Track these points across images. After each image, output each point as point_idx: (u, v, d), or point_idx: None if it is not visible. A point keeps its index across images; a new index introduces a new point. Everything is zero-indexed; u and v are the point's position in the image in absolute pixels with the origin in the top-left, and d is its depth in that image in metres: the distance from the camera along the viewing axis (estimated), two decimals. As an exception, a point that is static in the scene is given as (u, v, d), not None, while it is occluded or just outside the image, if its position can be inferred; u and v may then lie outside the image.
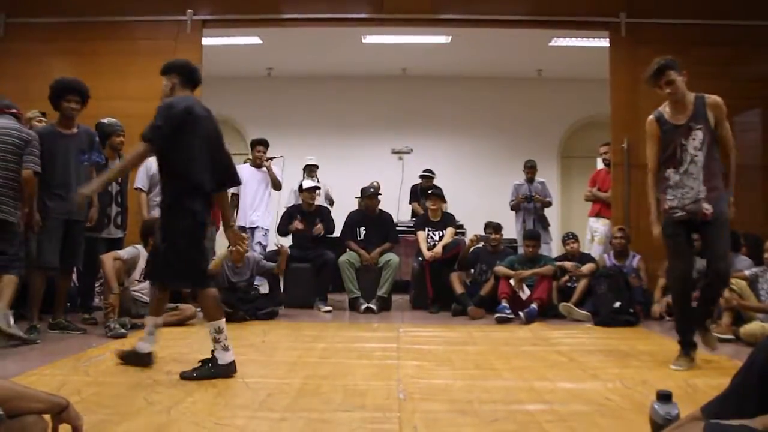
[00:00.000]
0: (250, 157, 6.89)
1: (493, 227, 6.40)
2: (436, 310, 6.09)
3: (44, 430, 1.56)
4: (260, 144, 6.77)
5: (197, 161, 3.31)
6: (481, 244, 6.35)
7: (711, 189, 3.53)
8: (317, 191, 6.80)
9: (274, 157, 6.80)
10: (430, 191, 6.92)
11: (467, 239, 6.57)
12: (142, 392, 2.82)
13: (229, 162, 3.54)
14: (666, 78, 3.57)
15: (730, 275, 3.82)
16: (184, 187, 3.29)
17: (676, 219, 3.61)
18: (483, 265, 6.25)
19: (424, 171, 8.16)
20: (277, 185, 6.81)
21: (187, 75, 3.53)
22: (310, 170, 7.46)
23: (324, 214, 6.63)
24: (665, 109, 3.69)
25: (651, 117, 3.72)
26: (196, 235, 3.33)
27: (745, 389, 1.48)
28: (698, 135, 3.54)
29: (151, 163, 5.54)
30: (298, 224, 6.33)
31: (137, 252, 4.98)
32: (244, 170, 6.75)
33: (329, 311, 5.99)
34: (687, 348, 3.63)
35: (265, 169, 6.72)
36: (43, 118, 5.07)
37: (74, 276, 5.27)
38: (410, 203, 8.28)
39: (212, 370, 3.15)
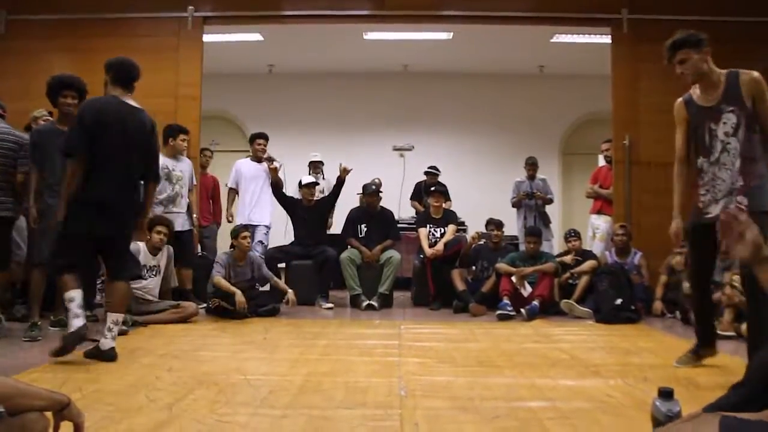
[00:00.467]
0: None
1: (495, 224, 6.40)
2: (437, 307, 6.09)
3: (45, 428, 1.56)
4: (260, 137, 6.67)
5: (99, 172, 3.44)
6: (482, 242, 6.35)
7: (750, 178, 3.08)
8: (317, 187, 6.76)
9: (274, 160, 6.66)
10: (432, 188, 6.91)
11: (468, 236, 6.57)
12: (144, 389, 2.82)
13: (151, 160, 3.75)
14: (679, 57, 3.19)
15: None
16: (79, 197, 3.44)
17: (704, 222, 3.23)
18: (484, 262, 6.25)
19: (429, 168, 8.13)
20: (278, 185, 6.63)
21: (116, 73, 3.66)
22: (315, 167, 7.43)
23: (324, 208, 6.63)
24: (695, 90, 3.30)
25: (679, 99, 3.37)
26: (68, 241, 3.48)
27: (749, 393, 1.47)
28: (730, 118, 3.12)
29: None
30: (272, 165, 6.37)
31: (137, 248, 4.97)
32: (243, 165, 6.69)
33: (331, 308, 5.99)
34: (700, 344, 3.44)
35: (266, 164, 6.61)
36: (49, 117, 5.06)
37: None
38: (411, 200, 8.23)
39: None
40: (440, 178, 7.90)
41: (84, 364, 3.35)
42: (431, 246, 6.28)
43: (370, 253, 6.24)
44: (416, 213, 7.93)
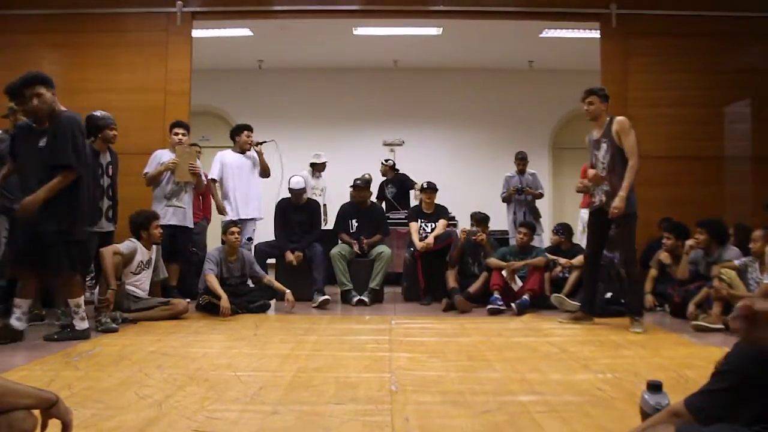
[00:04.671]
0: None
1: (476, 219, 6.35)
2: (428, 301, 6.08)
3: (33, 426, 1.55)
4: (246, 129, 6.41)
5: None
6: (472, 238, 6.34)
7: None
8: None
9: (265, 141, 6.43)
10: (425, 185, 6.89)
11: (459, 232, 6.55)
12: (133, 386, 2.81)
13: None
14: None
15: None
16: None
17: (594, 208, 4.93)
18: (469, 258, 6.23)
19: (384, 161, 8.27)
20: (266, 172, 6.43)
21: None
22: (315, 168, 7.37)
23: (313, 208, 6.54)
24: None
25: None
26: None
27: (732, 390, 1.48)
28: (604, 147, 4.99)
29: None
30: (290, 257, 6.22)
31: (135, 246, 4.95)
32: (228, 157, 6.38)
33: (328, 300, 5.77)
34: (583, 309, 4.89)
35: (249, 154, 6.37)
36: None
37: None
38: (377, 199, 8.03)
39: (71, 334, 3.98)
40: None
41: (73, 362, 3.33)
42: (422, 240, 6.27)
43: (360, 244, 6.25)
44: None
